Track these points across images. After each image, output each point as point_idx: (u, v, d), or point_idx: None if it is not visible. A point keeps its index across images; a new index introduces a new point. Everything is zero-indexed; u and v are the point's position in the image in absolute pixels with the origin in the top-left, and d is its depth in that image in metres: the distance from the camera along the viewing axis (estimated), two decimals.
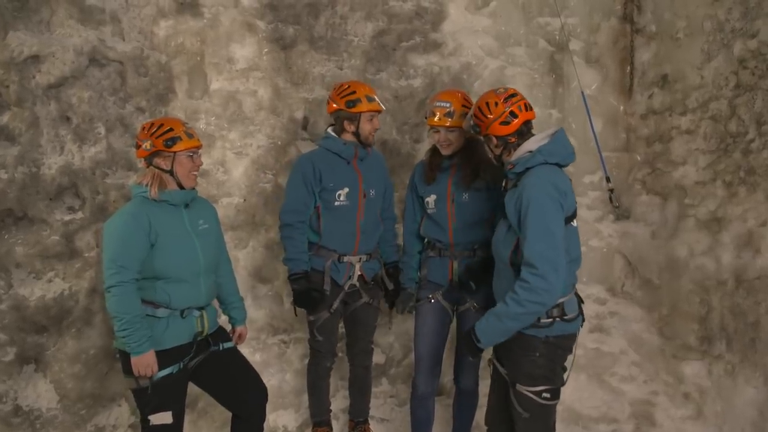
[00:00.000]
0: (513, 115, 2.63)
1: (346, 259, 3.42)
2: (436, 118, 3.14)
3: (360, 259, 3.45)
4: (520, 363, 2.60)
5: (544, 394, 2.58)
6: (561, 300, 2.57)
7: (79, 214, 3.43)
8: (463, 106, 3.14)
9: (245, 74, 4.13)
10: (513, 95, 2.69)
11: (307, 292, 3.36)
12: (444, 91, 3.59)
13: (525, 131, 2.68)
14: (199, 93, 4.03)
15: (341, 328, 3.75)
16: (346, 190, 3.36)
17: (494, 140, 2.69)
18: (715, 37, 3.98)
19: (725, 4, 3.90)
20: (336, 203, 3.36)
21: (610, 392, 4.27)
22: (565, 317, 2.58)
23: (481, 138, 2.81)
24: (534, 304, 2.45)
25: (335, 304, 3.44)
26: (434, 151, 3.32)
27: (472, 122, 2.79)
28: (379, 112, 3.36)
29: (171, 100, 3.90)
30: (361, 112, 3.29)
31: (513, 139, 2.66)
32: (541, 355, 2.57)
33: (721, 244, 3.88)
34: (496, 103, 2.65)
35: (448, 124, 3.12)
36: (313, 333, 3.50)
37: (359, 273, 3.46)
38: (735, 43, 3.82)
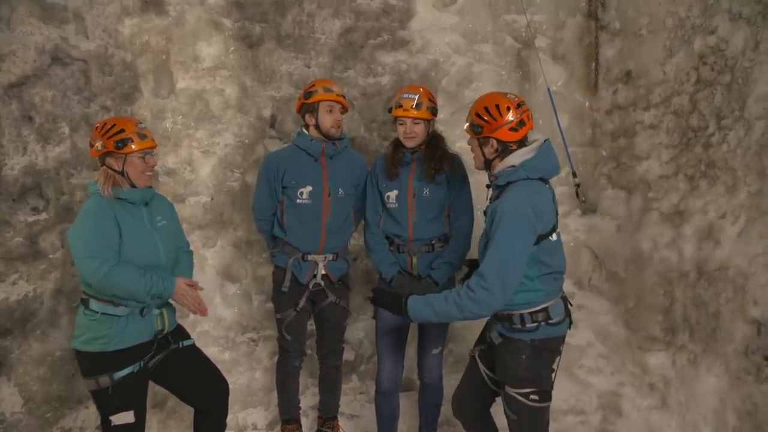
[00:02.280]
0: (522, 123, 2.57)
1: (310, 257, 3.42)
2: (403, 109, 3.18)
3: (325, 258, 3.45)
4: (507, 365, 2.63)
5: (532, 396, 2.59)
6: (545, 305, 2.60)
7: (44, 215, 3.40)
8: (429, 99, 3.24)
9: (212, 73, 4.12)
10: (523, 103, 2.61)
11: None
12: (409, 85, 3.68)
13: (523, 141, 2.62)
14: (165, 92, 4.01)
15: (311, 326, 3.74)
16: (309, 188, 3.36)
17: (495, 144, 2.60)
18: (677, 33, 4.05)
19: (686, 1, 3.95)
20: (298, 201, 3.37)
21: (578, 384, 4.33)
22: (551, 321, 2.61)
23: (478, 140, 2.64)
24: (471, 314, 2.48)
25: (301, 303, 3.45)
26: (396, 145, 3.35)
27: (473, 122, 2.63)
28: (337, 102, 3.35)
29: (137, 99, 3.88)
30: (318, 102, 3.31)
31: (515, 147, 2.59)
32: (527, 358, 2.59)
33: (683, 236, 3.94)
34: (509, 108, 2.56)
35: (415, 115, 3.17)
36: (282, 332, 3.51)
37: (323, 272, 3.45)
38: (695, 40, 3.88)
